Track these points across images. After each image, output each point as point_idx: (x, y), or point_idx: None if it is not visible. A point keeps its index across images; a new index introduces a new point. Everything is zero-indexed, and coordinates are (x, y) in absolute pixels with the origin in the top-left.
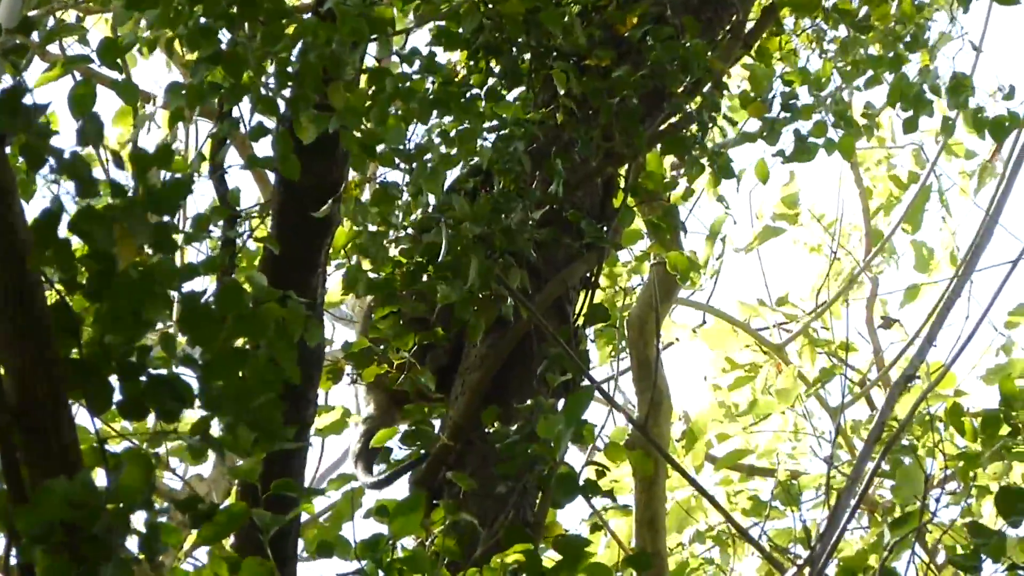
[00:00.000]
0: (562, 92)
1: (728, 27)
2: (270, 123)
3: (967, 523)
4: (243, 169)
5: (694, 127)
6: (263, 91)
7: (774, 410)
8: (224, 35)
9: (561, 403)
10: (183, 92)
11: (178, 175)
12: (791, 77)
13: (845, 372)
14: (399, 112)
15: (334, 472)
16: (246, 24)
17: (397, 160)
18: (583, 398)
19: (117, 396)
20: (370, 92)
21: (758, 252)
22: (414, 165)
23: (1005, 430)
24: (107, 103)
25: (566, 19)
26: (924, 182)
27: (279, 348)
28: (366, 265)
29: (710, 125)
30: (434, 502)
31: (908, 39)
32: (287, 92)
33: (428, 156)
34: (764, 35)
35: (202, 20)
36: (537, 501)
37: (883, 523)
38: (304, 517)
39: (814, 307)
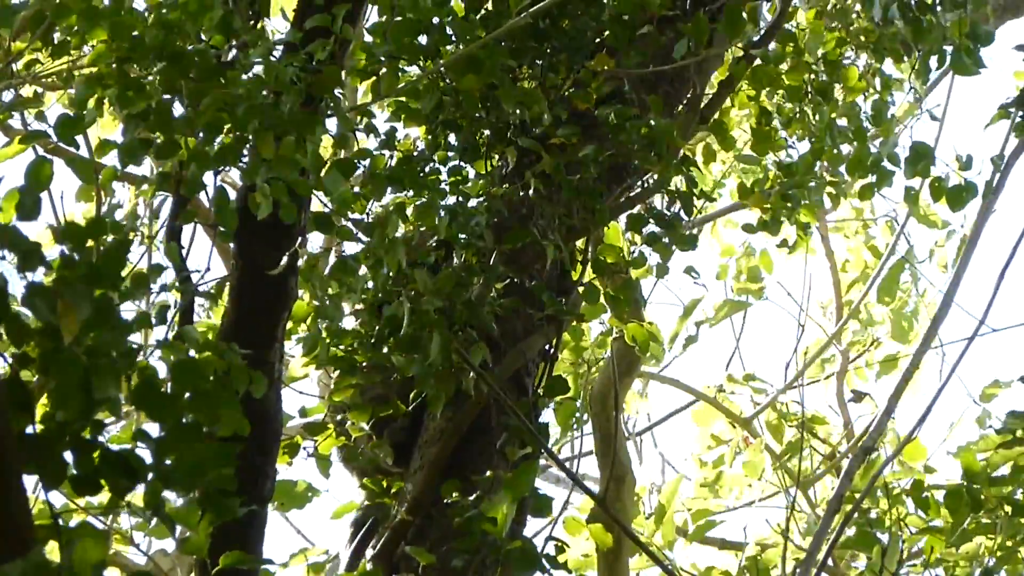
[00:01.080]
0: (511, 166)
1: (685, 101)
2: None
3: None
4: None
5: (658, 201)
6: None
7: (740, 484)
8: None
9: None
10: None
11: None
12: (781, 169)
13: (810, 444)
14: (357, 187)
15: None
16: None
17: (356, 232)
18: (528, 471)
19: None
20: (328, 164)
21: (731, 323)
22: (373, 238)
23: (968, 504)
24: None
25: (523, 95)
26: (890, 252)
27: (222, 399)
28: (326, 335)
29: (690, 202)
30: None
31: (871, 112)
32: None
33: (390, 225)
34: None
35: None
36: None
37: None
38: None
39: (784, 381)
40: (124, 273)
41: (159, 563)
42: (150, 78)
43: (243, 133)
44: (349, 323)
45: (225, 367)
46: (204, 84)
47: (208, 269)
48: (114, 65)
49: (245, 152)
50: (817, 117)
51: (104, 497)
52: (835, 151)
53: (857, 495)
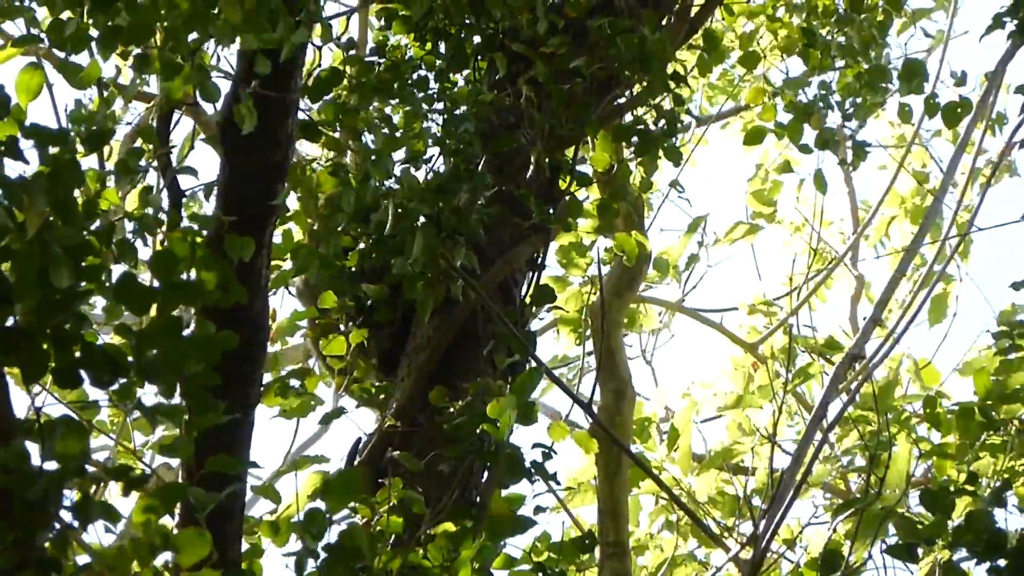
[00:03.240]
0: (501, 74)
1: (674, 10)
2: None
3: (920, 491)
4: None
5: (647, 117)
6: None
7: (754, 406)
8: None
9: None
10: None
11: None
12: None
13: (823, 371)
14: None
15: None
16: None
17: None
18: (531, 378)
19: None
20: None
21: (749, 246)
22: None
23: (980, 422)
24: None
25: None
26: (894, 177)
27: (212, 266)
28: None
29: (676, 118)
30: (381, 481)
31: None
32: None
33: (371, 138)
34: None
35: None
36: (482, 481)
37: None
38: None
39: (793, 302)
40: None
41: (163, 477)
42: None
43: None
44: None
45: (208, 241)
46: None
47: (192, 148)
48: None
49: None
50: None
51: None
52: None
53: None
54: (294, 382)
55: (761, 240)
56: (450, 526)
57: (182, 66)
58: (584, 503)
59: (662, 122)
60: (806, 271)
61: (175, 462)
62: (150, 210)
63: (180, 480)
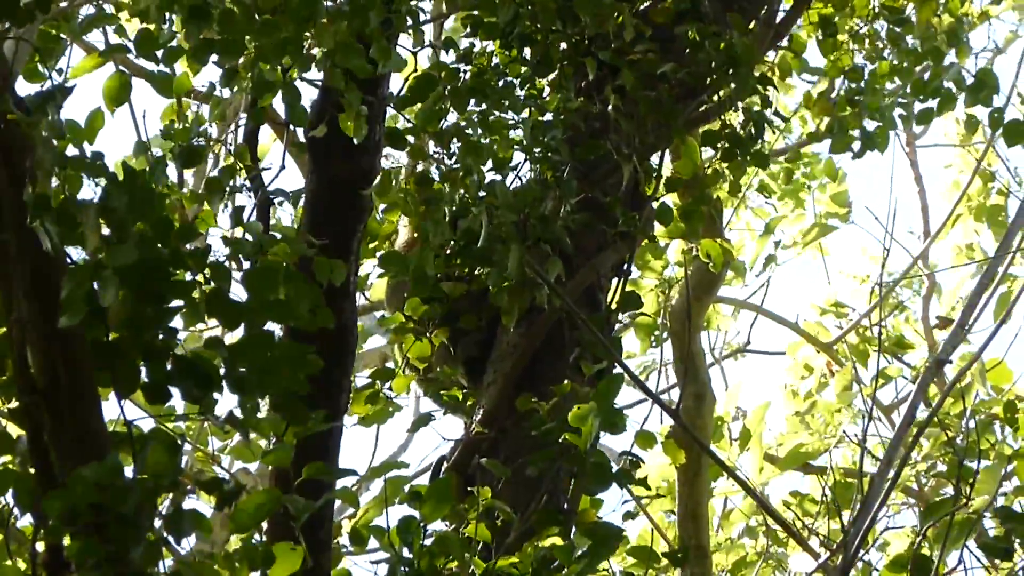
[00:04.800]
0: (591, 78)
1: (760, 16)
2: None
3: (998, 509)
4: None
5: (735, 121)
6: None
7: (831, 409)
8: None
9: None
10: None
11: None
12: (852, 76)
13: (899, 372)
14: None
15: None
16: None
17: (432, 148)
18: (613, 384)
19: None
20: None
21: (820, 247)
22: (453, 150)
23: None
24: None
25: (600, 7)
26: (972, 178)
27: (298, 301)
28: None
29: (762, 124)
30: (468, 489)
31: (945, 35)
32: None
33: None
34: (798, 27)
35: None
36: (570, 489)
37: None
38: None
39: (868, 305)
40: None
41: (241, 481)
42: None
43: (299, 25)
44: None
45: (296, 258)
46: None
47: (283, 167)
48: None
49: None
50: (886, 37)
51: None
52: (903, 65)
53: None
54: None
55: (835, 241)
56: (557, 540)
57: (274, 85)
58: (662, 507)
59: (750, 126)
60: (880, 271)
61: (253, 467)
62: (247, 235)
63: (269, 487)
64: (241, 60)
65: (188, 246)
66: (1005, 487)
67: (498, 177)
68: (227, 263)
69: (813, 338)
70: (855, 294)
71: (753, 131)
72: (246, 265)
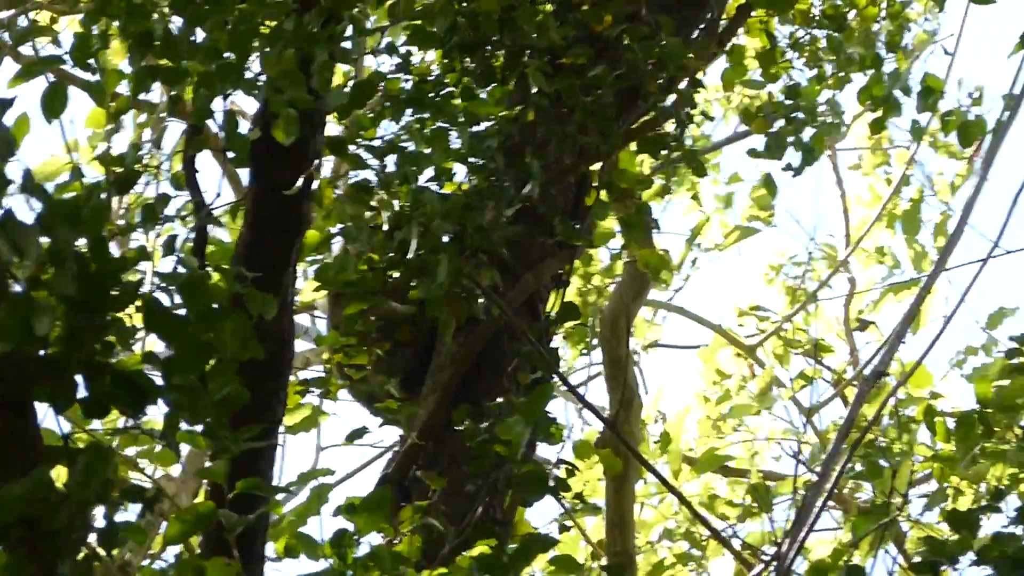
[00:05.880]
0: (536, 90)
1: (702, 25)
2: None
3: (945, 512)
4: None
5: (669, 125)
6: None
7: (751, 412)
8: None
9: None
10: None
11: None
12: (785, 91)
13: (817, 372)
14: (371, 111)
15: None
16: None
17: (368, 158)
18: (542, 395)
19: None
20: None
21: (737, 250)
22: (387, 162)
23: (980, 431)
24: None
25: (540, 17)
26: (898, 184)
27: (231, 320)
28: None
29: (687, 123)
30: (404, 501)
31: (885, 40)
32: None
33: (398, 153)
34: (739, 35)
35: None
36: (506, 499)
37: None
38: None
39: (790, 309)
40: (133, 203)
41: (164, 488)
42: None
43: (243, 52)
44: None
45: (230, 291)
46: (207, 6)
47: (219, 195)
48: None
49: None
50: (825, 43)
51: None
52: (840, 75)
53: (865, 422)
54: (314, 390)
55: (757, 244)
56: (485, 548)
57: (213, 112)
58: (585, 516)
59: (681, 126)
60: (801, 276)
61: (175, 472)
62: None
63: (205, 499)
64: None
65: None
66: (923, 489)
67: (435, 187)
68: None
69: (736, 340)
70: (775, 297)
71: (680, 131)
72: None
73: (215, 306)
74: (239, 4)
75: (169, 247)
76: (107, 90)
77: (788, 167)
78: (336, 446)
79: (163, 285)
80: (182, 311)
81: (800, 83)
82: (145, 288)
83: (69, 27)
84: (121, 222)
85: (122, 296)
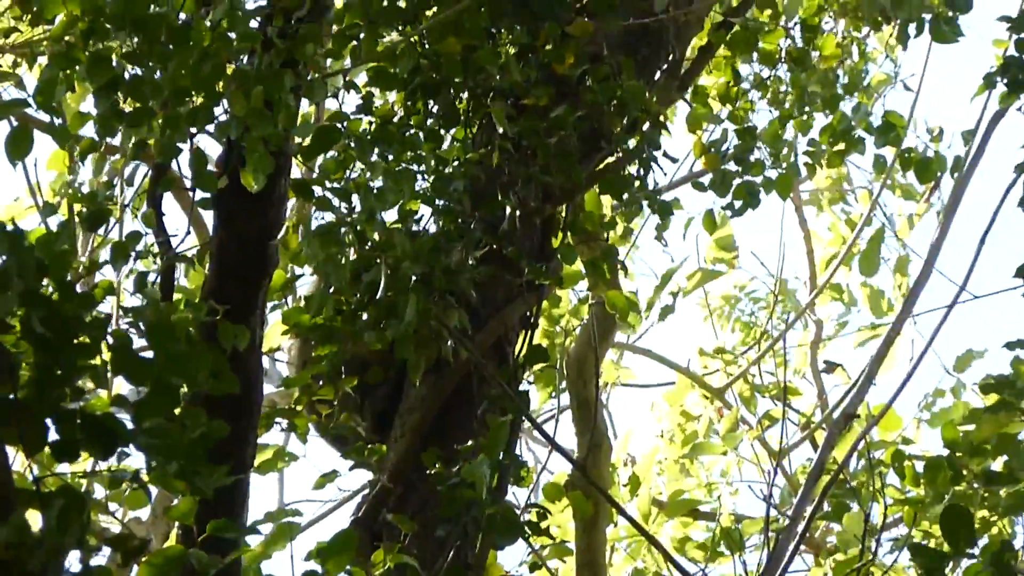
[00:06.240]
0: (500, 131)
1: (664, 66)
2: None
3: (911, 544)
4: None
5: (632, 167)
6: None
7: (717, 452)
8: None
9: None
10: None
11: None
12: (741, 132)
13: (785, 414)
14: (336, 153)
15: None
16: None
17: (335, 201)
18: (500, 433)
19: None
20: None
21: (703, 292)
22: (354, 204)
23: (948, 475)
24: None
25: (502, 58)
26: (864, 223)
27: (203, 357)
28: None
29: (650, 165)
30: (375, 544)
31: (845, 80)
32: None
33: (364, 195)
34: (701, 76)
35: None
36: (477, 543)
37: (826, 566)
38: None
39: (755, 351)
40: (98, 243)
41: (134, 531)
42: (116, 45)
43: (210, 93)
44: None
45: (199, 324)
46: (170, 48)
47: (188, 233)
48: (79, 36)
49: (220, 114)
50: (789, 83)
51: (80, 465)
52: (804, 118)
53: (835, 465)
54: (281, 423)
55: (721, 287)
56: None
57: (180, 150)
58: (556, 556)
59: (645, 169)
60: (768, 318)
61: (144, 515)
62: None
63: (175, 542)
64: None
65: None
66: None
67: (400, 227)
68: (128, 330)
69: (704, 382)
70: (737, 337)
71: (642, 172)
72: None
73: (184, 344)
74: (204, 45)
75: (140, 283)
76: (71, 132)
77: (729, 206)
78: (301, 500)
79: (131, 322)
80: (150, 352)
81: (756, 125)
82: (113, 326)
83: (30, 72)
84: (84, 259)
85: (91, 339)
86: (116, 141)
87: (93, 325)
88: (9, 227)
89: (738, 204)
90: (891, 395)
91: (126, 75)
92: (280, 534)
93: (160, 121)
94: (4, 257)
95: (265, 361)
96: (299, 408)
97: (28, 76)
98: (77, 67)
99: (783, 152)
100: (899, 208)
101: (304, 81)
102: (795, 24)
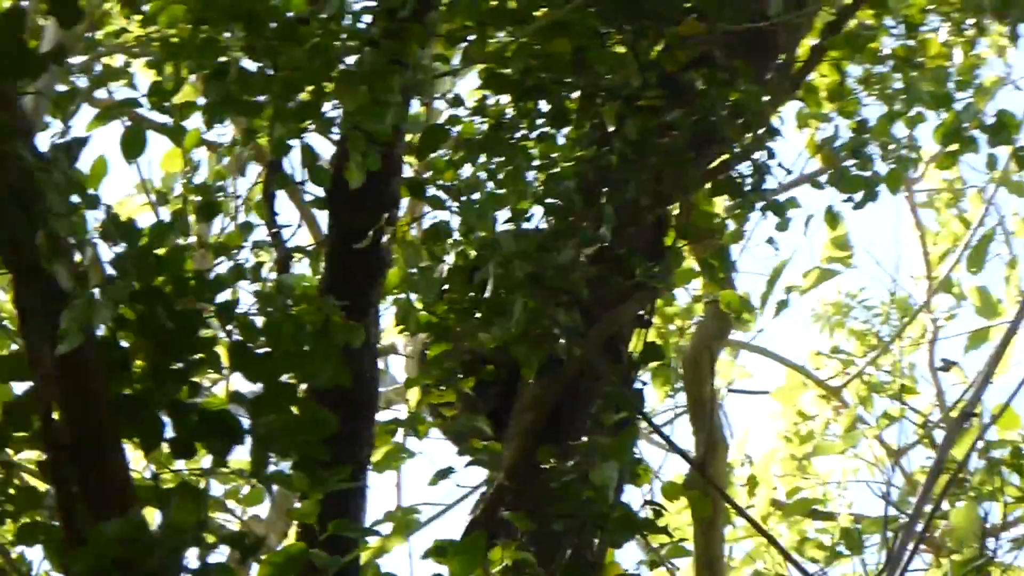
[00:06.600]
0: (611, 130)
1: (775, 66)
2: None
3: None
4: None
5: (745, 168)
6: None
7: (836, 451)
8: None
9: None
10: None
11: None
12: (854, 125)
13: (903, 412)
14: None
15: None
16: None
17: (446, 200)
18: (629, 437)
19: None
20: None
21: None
22: (463, 202)
23: None
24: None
25: (616, 57)
26: (979, 223)
27: (318, 355)
28: (418, 303)
29: (765, 170)
30: (492, 542)
31: (958, 78)
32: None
33: (476, 195)
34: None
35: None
36: (595, 541)
37: (945, 565)
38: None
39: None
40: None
41: (252, 529)
42: (226, 36)
43: (318, 88)
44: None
45: (321, 320)
46: (280, 42)
47: (300, 226)
48: (189, 28)
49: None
50: (898, 80)
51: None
52: (912, 115)
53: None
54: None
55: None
56: None
57: (290, 147)
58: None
59: (759, 176)
60: (884, 316)
61: (263, 513)
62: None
63: (295, 540)
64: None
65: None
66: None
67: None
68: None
69: (821, 381)
70: (856, 348)
71: (756, 178)
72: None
73: (301, 340)
74: (313, 39)
75: (255, 273)
76: (179, 121)
77: (849, 199)
78: (420, 499)
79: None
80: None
81: (868, 119)
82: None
83: (141, 70)
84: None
85: (208, 338)
86: (223, 138)
87: (221, 308)
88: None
89: (858, 197)
90: (1010, 393)
91: (235, 66)
92: (398, 530)
93: (271, 114)
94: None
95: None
96: (418, 411)
97: (140, 76)
98: (183, 61)
99: (892, 147)
100: (1013, 207)
101: (412, 80)
102: (899, 23)
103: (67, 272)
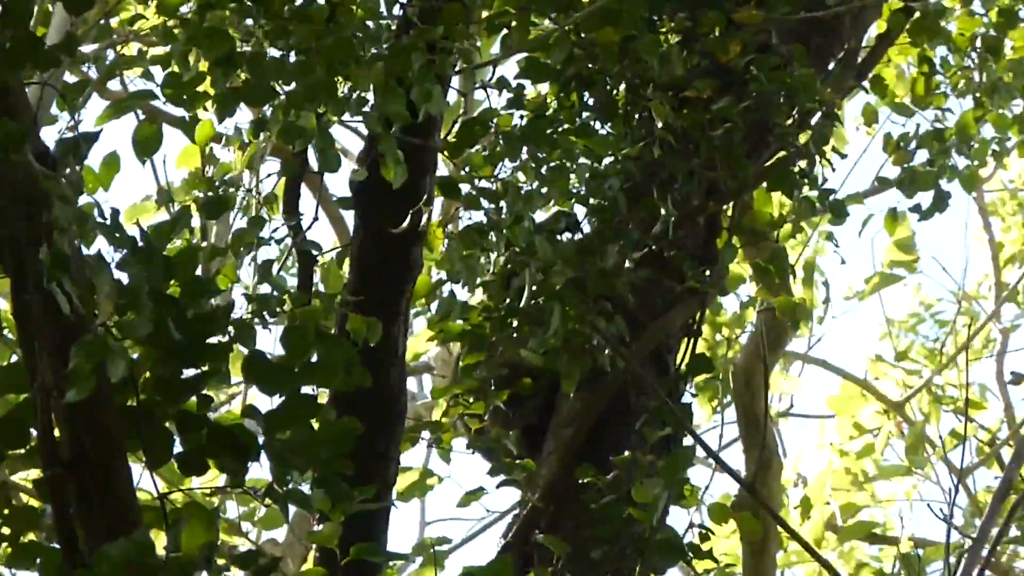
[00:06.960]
0: (660, 125)
1: (839, 56)
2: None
3: None
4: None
5: (803, 163)
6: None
7: (900, 474)
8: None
9: (660, 461)
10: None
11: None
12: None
13: (968, 429)
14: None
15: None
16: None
17: (483, 200)
18: (684, 458)
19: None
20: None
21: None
22: (502, 204)
23: None
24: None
25: (663, 48)
26: None
27: (337, 360)
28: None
29: (820, 161)
30: (526, 568)
31: None
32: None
33: (517, 193)
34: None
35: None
36: (636, 567)
37: None
38: None
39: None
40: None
41: (270, 554)
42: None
43: (332, 67)
44: (476, 296)
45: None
46: (290, 22)
47: (316, 219)
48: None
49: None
50: (984, 74)
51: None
52: (999, 112)
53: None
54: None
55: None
56: None
57: (304, 131)
58: None
59: (811, 168)
60: (951, 326)
61: (280, 536)
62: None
63: (314, 565)
64: (272, 105)
65: (211, 302)
66: None
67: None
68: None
69: (883, 395)
70: (921, 350)
71: (811, 169)
72: (271, 322)
73: (319, 343)
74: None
75: (264, 273)
76: (191, 111)
77: (916, 208)
78: (444, 519)
79: (255, 311)
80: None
81: (950, 127)
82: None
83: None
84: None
85: (220, 347)
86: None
87: (215, 314)
88: (135, 230)
89: (926, 205)
90: None
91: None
92: (428, 562)
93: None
94: (133, 267)
95: (412, 383)
96: (445, 421)
97: (157, 68)
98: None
99: (974, 146)
100: None
101: (447, 67)
102: (989, 11)
103: (72, 294)
